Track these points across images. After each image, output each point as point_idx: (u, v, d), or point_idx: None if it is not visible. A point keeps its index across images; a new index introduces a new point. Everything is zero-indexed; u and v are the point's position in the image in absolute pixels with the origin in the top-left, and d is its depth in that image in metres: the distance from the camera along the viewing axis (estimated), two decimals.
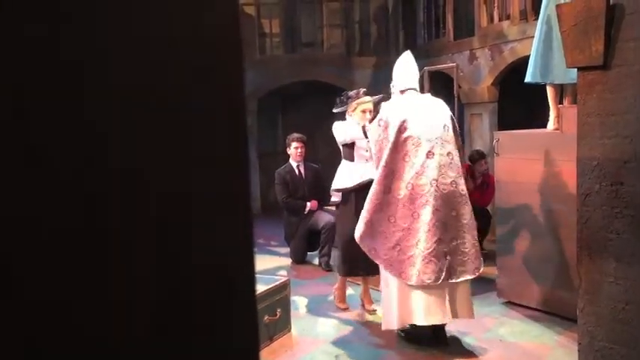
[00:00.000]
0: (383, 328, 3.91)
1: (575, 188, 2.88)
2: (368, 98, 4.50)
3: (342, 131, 4.45)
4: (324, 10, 9.44)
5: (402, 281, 3.64)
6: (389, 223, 3.64)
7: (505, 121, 6.49)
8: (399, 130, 3.62)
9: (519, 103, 6.82)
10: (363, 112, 4.44)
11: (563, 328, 4.08)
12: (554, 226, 4.32)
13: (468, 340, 3.93)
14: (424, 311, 3.61)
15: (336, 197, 4.66)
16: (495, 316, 4.41)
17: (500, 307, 4.62)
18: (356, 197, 4.45)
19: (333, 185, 4.60)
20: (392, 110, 3.75)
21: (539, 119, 5.03)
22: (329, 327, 4.39)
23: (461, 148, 3.88)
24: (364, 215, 3.73)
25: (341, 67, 9.16)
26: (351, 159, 4.50)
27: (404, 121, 3.62)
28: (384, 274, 3.80)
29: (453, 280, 3.61)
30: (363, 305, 4.69)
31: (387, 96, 4.17)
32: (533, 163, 4.43)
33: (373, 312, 4.61)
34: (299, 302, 4.88)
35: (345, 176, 4.49)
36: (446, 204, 3.55)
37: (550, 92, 4.43)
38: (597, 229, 2.65)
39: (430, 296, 3.59)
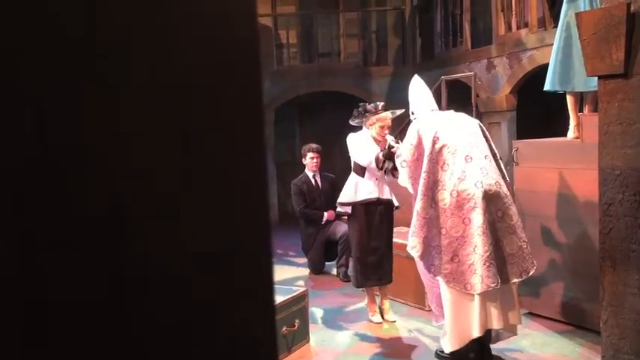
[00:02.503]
0: (448, 349, 3.64)
1: (596, 198, 2.84)
2: (388, 114, 4.44)
3: (359, 153, 4.43)
4: (340, 21, 9.47)
5: (466, 293, 3.49)
6: (441, 235, 3.54)
7: (524, 130, 6.44)
8: (433, 142, 3.57)
9: (538, 111, 6.77)
10: (382, 127, 4.40)
11: (586, 340, 4.02)
12: (575, 236, 4.26)
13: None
14: (481, 320, 3.46)
15: (343, 209, 4.66)
16: None
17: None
18: (365, 211, 4.45)
19: (339, 197, 4.62)
20: (421, 126, 3.71)
21: (558, 128, 4.98)
22: (348, 338, 4.36)
23: (496, 155, 3.76)
24: (416, 232, 3.59)
25: (358, 77, 9.17)
26: (362, 174, 4.50)
27: (436, 132, 3.58)
28: (445, 291, 3.62)
29: (503, 284, 3.49)
30: (382, 315, 4.66)
31: (406, 111, 4.13)
32: (553, 172, 4.38)
33: (392, 322, 4.59)
34: (317, 313, 4.86)
35: (352, 190, 4.50)
36: (492, 204, 3.47)
37: (570, 100, 4.38)
38: (620, 240, 2.61)
39: (487, 302, 3.47)
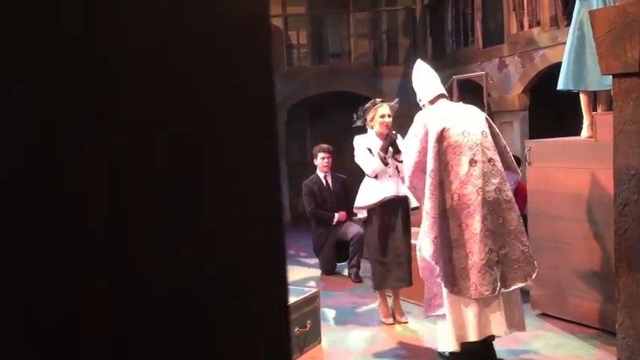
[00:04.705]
0: (445, 349, 3.67)
1: (610, 198, 2.81)
2: (385, 104, 4.48)
3: (363, 164, 4.47)
4: (351, 21, 9.46)
5: (455, 296, 3.48)
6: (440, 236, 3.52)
7: (536, 129, 6.40)
8: (438, 140, 3.48)
9: (551, 110, 6.72)
10: (382, 116, 4.40)
11: (601, 342, 3.97)
12: (589, 236, 4.22)
13: (503, 354, 3.84)
14: (479, 325, 3.46)
15: (361, 214, 4.65)
16: (530, 329, 4.29)
17: (534, 319, 4.51)
18: (381, 212, 4.44)
19: (355, 202, 4.61)
20: (428, 120, 3.58)
21: (571, 127, 4.94)
22: (360, 339, 4.35)
23: (505, 148, 3.72)
24: (428, 233, 3.50)
25: (369, 77, 9.15)
26: (375, 176, 4.48)
27: (442, 131, 3.49)
28: (445, 292, 3.58)
29: (506, 290, 3.48)
30: (394, 317, 4.64)
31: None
32: (566, 171, 4.34)
33: (404, 324, 4.57)
34: (329, 314, 4.85)
35: (366, 194, 4.49)
36: (492, 211, 3.44)
37: (583, 99, 4.34)
38: (636, 241, 2.57)
39: (485, 308, 3.46)
